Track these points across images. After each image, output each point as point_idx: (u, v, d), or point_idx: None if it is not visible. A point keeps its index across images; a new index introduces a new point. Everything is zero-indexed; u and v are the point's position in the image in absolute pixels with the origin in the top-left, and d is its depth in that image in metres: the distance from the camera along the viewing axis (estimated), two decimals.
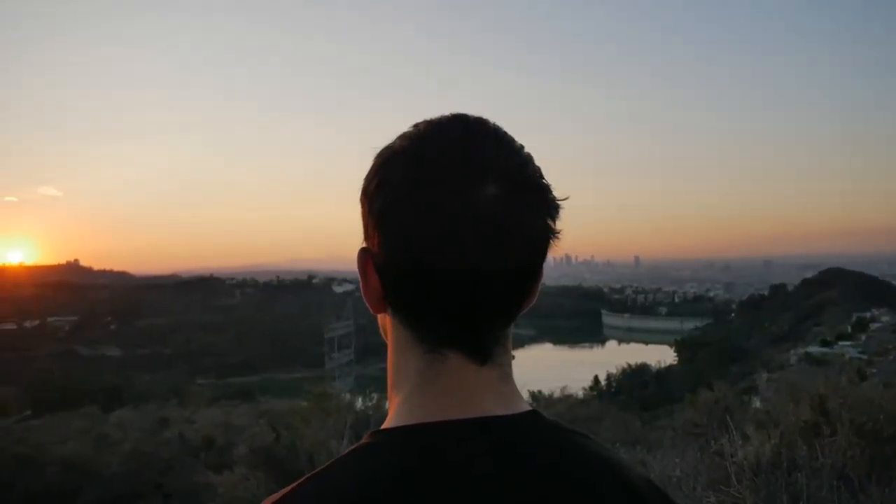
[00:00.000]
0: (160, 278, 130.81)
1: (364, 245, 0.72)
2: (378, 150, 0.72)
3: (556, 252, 0.70)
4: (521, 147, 0.72)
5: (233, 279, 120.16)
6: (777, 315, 75.42)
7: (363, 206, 0.71)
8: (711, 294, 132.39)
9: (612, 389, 51.42)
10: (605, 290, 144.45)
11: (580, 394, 20.76)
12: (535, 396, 14.97)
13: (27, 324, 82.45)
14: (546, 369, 51.46)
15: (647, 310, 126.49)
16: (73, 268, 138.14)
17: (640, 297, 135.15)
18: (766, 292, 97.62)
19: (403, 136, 0.71)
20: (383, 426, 0.70)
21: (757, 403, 11.94)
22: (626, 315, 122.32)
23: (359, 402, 11.73)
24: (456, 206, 0.65)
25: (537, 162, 0.70)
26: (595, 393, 39.72)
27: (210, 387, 48.10)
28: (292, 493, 0.64)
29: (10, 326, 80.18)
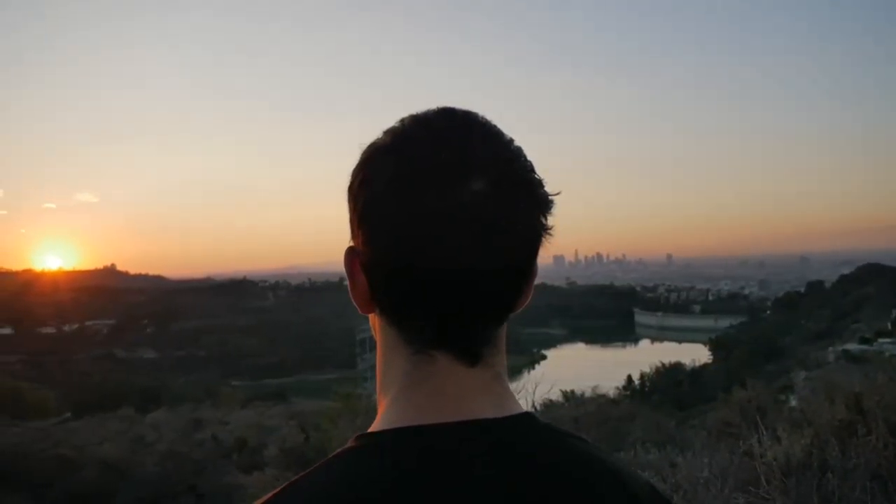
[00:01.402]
0: (194, 282, 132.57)
1: (351, 244, 0.70)
2: (364, 145, 0.70)
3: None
4: (511, 140, 0.69)
5: (265, 282, 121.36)
6: (814, 312, 73.96)
7: (349, 204, 0.69)
8: (746, 292, 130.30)
9: (646, 389, 50.86)
10: (638, 288, 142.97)
11: (613, 393, 20.58)
12: (567, 396, 14.87)
13: (66, 328, 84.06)
14: (578, 369, 51.09)
15: (681, 308, 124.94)
16: (110, 272, 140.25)
17: (673, 296, 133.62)
18: (802, 289, 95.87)
19: (388, 132, 0.69)
20: (371, 429, 0.67)
21: (793, 402, 11.75)
22: (659, 314, 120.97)
23: None
24: (441, 202, 0.63)
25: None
26: (628, 392, 39.35)
27: (244, 388, 48.62)
28: (279, 496, 0.62)
29: (50, 330, 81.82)
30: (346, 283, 0.70)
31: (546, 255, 0.71)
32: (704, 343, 75.60)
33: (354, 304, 0.72)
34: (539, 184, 0.68)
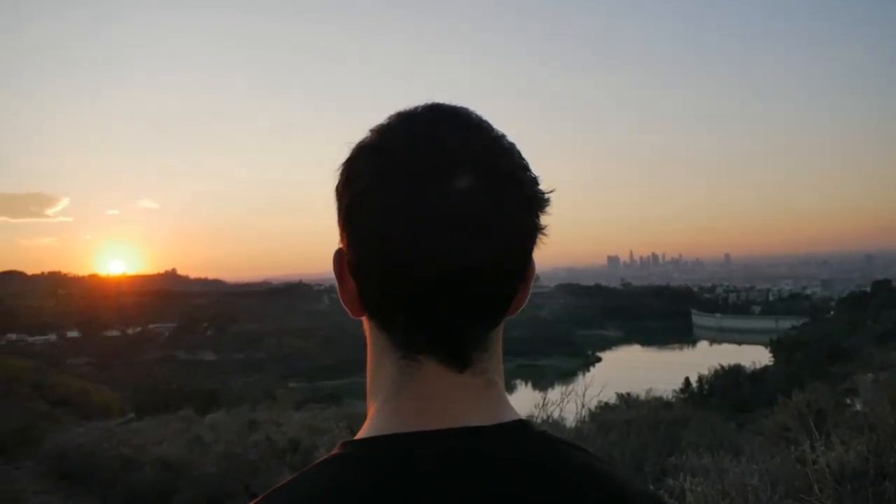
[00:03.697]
0: (252, 285, 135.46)
1: (340, 246, 0.68)
2: (352, 144, 0.67)
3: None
4: (501, 136, 0.66)
5: (320, 285, 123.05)
6: (881, 312, 71.22)
7: (336, 205, 0.67)
8: (808, 291, 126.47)
9: (704, 391, 49.75)
10: (695, 289, 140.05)
11: (670, 396, 20.17)
12: (623, 399, 14.66)
13: (130, 331, 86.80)
14: (634, 371, 50.31)
15: (740, 309, 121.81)
16: (171, 276, 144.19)
17: (732, 296, 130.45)
18: (867, 289, 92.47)
19: (373, 129, 0.67)
20: (358, 435, 0.66)
21: (858, 406, 11.34)
22: (718, 315, 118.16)
23: None
24: (423, 201, 0.60)
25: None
26: (686, 395, 38.56)
27: (301, 390, 49.30)
28: (262, 503, 0.62)
29: (115, 333, 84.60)
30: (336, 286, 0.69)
31: (542, 255, 0.68)
32: (765, 345, 73.66)
33: (344, 307, 0.70)
34: (531, 181, 0.65)
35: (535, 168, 0.66)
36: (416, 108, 0.67)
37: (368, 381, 0.71)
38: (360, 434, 0.66)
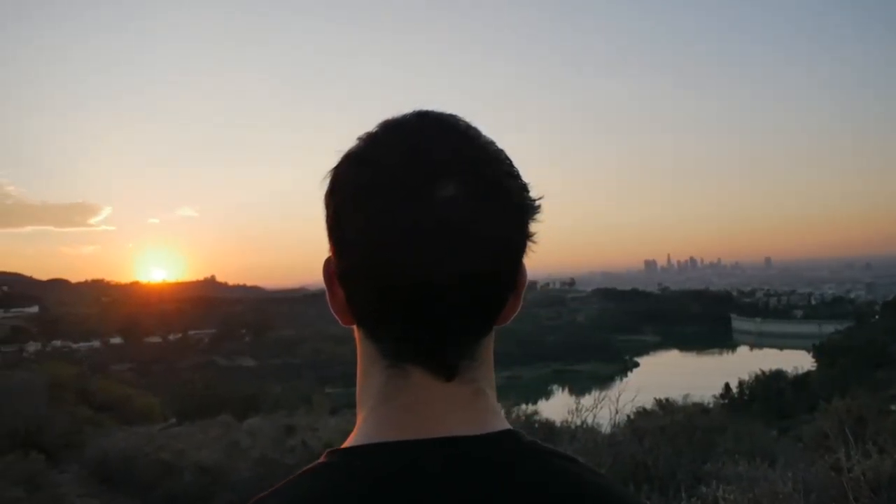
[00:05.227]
0: (289, 291, 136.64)
1: (329, 254, 0.68)
2: (341, 152, 0.67)
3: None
4: (490, 143, 0.65)
5: None
6: None
7: (325, 213, 0.67)
8: (852, 295, 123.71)
9: (745, 397, 48.92)
10: (734, 293, 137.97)
11: (709, 401, 19.92)
12: (662, 405, 14.53)
13: (170, 337, 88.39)
14: (672, 376, 49.68)
15: (781, 313, 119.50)
16: (211, 283, 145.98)
17: (773, 300, 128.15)
18: None
19: (360, 137, 0.66)
20: (344, 444, 0.65)
21: None
22: (758, 319, 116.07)
23: None
24: (408, 209, 0.60)
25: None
26: (726, 401, 37.97)
27: (337, 395, 49.61)
28: None
29: (156, 339, 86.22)
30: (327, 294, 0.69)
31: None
32: (807, 349, 72.24)
33: (334, 316, 0.70)
34: (519, 188, 0.65)
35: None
36: (404, 116, 0.66)
37: (357, 390, 0.70)
38: (347, 443, 0.66)
